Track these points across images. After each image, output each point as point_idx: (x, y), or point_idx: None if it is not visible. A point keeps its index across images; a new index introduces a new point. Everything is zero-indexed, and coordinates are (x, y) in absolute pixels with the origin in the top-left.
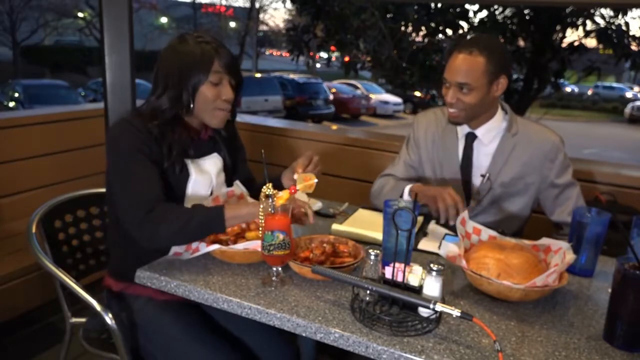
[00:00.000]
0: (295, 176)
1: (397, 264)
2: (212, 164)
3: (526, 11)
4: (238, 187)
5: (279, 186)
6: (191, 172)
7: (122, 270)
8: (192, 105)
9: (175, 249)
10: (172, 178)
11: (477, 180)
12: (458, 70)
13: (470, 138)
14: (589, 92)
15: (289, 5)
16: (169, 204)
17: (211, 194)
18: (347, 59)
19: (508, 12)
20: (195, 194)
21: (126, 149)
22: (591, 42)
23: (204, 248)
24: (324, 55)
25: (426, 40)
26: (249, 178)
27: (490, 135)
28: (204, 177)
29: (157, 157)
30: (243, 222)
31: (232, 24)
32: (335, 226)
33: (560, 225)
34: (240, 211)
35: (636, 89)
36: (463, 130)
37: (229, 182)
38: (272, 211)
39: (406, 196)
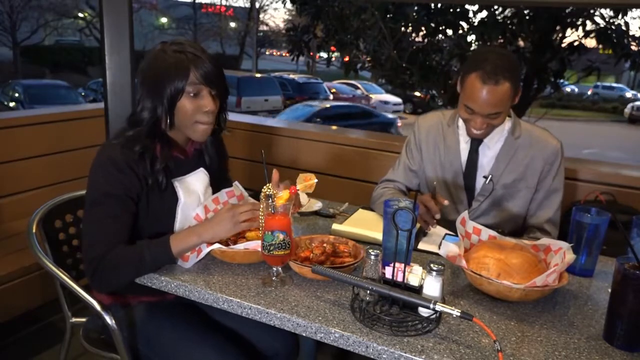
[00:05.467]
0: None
1: (397, 264)
2: (199, 180)
3: (526, 11)
4: (237, 188)
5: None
6: (180, 196)
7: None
8: (169, 119)
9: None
10: (160, 204)
11: (479, 182)
12: (487, 103)
13: (476, 142)
14: (589, 92)
15: (289, 5)
16: (120, 250)
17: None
18: (347, 59)
19: (508, 12)
20: (185, 218)
21: (94, 193)
22: (591, 42)
23: (205, 248)
24: (324, 55)
25: (426, 40)
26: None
27: (494, 138)
28: (192, 197)
29: (135, 190)
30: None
31: (232, 24)
32: (335, 226)
33: (534, 228)
34: (188, 241)
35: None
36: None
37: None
38: (272, 211)
39: None
